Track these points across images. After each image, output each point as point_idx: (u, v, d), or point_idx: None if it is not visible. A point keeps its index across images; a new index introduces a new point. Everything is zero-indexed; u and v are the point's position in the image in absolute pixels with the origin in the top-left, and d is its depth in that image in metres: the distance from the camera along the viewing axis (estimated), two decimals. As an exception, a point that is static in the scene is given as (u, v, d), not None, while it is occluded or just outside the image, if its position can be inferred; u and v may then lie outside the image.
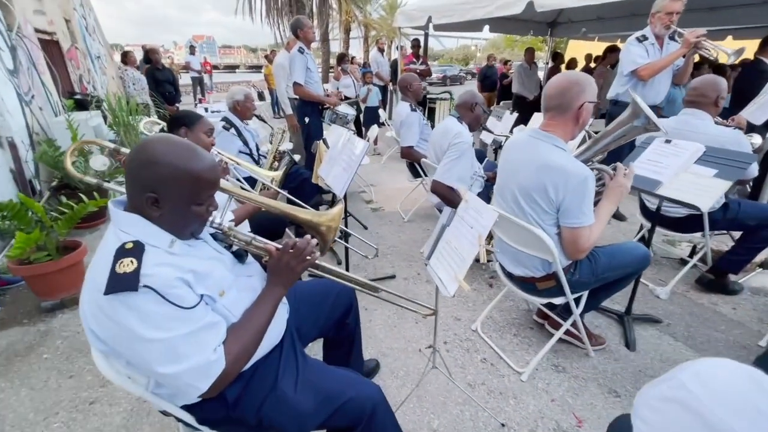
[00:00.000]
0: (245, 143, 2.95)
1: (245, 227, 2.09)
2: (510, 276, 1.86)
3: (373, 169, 5.31)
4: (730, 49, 2.80)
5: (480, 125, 2.56)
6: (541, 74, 8.03)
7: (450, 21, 5.18)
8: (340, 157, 2.14)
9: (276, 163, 2.99)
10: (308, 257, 1.09)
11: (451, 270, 1.25)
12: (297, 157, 3.77)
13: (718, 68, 5.28)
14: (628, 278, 1.80)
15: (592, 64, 7.76)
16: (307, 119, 3.71)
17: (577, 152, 1.65)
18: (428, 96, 6.42)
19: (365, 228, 3.49)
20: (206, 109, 5.90)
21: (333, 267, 1.23)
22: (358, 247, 2.79)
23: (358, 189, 4.48)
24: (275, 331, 1.13)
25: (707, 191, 1.66)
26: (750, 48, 3.85)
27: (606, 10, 6.82)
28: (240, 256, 1.14)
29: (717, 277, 2.48)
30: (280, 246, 1.10)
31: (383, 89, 7.16)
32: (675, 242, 3.15)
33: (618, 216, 3.64)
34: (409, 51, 6.49)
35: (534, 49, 6.73)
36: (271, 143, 3.08)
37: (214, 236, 1.11)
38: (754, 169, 2.16)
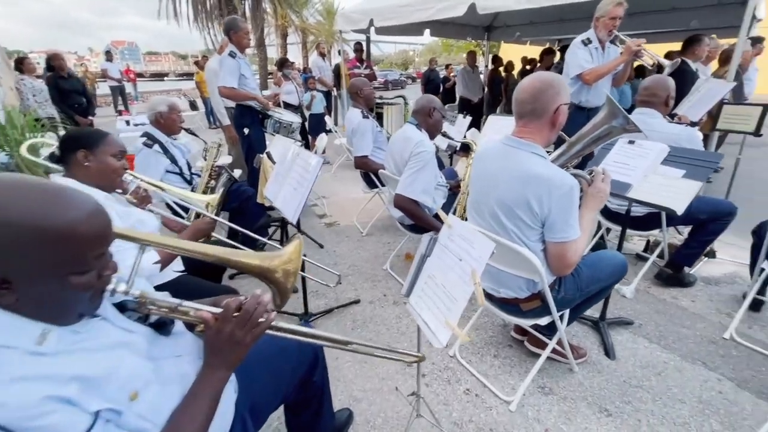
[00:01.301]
0: (173, 161, 2.53)
1: (177, 264, 1.73)
2: (490, 297, 1.69)
3: (323, 180, 5.00)
4: (666, 61, 2.92)
5: (439, 131, 2.40)
6: (482, 77, 8.23)
7: (392, 24, 5.05)
8: (290, 175, 1.85)
9: (213, 182, 2.61)
10: (260, 321, 0.82)
11: (440, 313, 1.02)
12: (238, 173, 3.39)
13: (642, 70, 5.71)
14: (608, 288, 1.72)
15: (528, 67, 8.10)
16: (246, 130, 3.33)
17: (550, 158, 1.53)
18: (378, 101, 6.24)
19: (321, 247, 3.19)
20: (128, 122, 5.23)
21: (293, 325, 0.96)
22: (318, 273, 2.51)
23: (310, 203, 4.15)
24: (219, 428, 0.83)
25: (680, 193, 1.61)
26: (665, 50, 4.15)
27: (538, 15, 7.17)
28: (162, 325, 0.83)
29: (674, 271, 2.53)
30: (218, 310, 0.80)
31: (327, 95, 6.87)
32: (628, 237, 3.24)
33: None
34: (352, 55, 6.28)
35: (475, 52, 6.86)
36: (205, 159, 2.69)
37: (120, 307, 0.79)
38: None
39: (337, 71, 7.09)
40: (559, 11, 6.91)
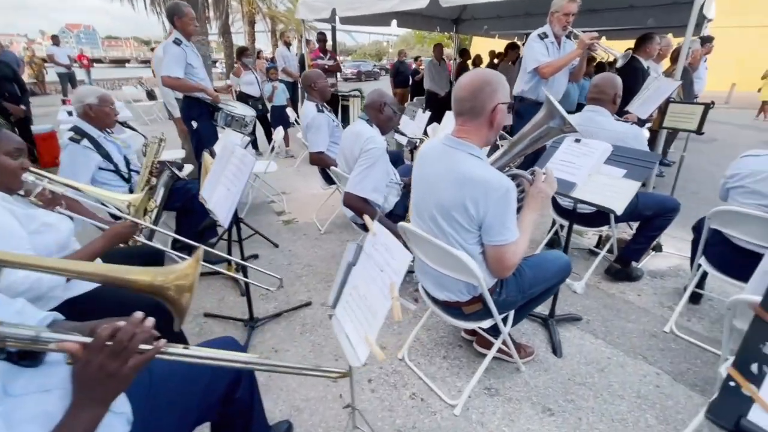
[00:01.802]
0: (106, 157, 2.33)
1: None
2: (434, 299, 1.65)
3: (285, 175, 4.84)
4: (618, 53, 2.96)
5: (391, 127, 2.33)
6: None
7: (356, 14, 4.91)
8: (224, 174, 1.72)
9: (153, 179, 2.44)
10: (140, 349, 0.72)
11: (361, 327, 0.96)
12: (189, 169, 3.20)
13: (600, 66, 5.83)
14: (552, 289, 1.71)
15: (496, 60, 8.15)
16: (195, 123, 3.14)
17: (492, 158, 1.49)
18: (340, 94, 6.09)
19: (275, 246, 3.07)
20: (70, 113, 4.84)
21: (196, 350, 0.86)
22: (262, 277, 2.39)
23: (267, 199, 4.00)
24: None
25: (619, 193, 1.62)
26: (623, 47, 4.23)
27: (505, 9, 7.18)
28: (28, 355, 0.73)
29: (622, 266, 2.59)
30: (88, 340, 0.70)
31: (292, 86, 6.65)
32: (582, 233, 3.30)
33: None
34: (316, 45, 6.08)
35: (442, 45, 6.80)
36: (144, 155, 2.50)
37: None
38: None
39: (303, 61, 6.87)
40: (525, 5, 6.97)
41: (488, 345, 1.84)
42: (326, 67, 5.63)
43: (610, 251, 2.73)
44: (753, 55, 16.65)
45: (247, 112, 3.40)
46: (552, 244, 2.98)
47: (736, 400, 0.76)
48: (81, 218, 1.60)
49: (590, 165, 1.77)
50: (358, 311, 1.00)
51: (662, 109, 3.12)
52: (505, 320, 1.63)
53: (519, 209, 1.51)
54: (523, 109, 3.39)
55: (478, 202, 1.26)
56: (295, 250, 3.04)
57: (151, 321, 0.75)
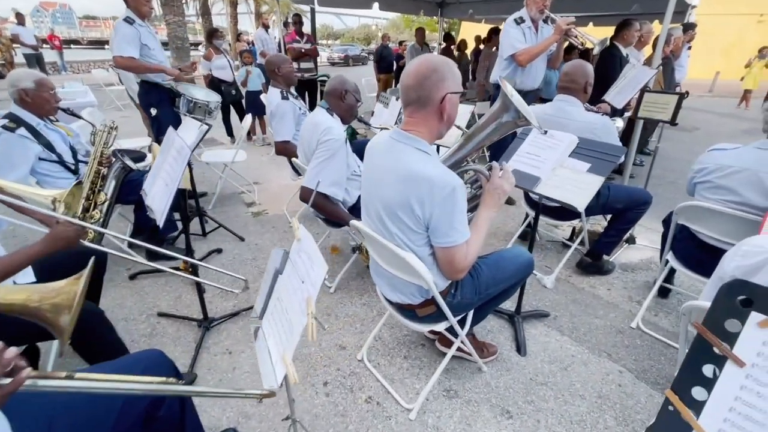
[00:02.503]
0: (48, 147, 2.18)
1: (28, 275, 1.45)
2: (389, 301, 1.57)
3: (258, 164, 4.68)
4: (595, 39, 2.86)
5: (354, 116, 2.20)
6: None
7: (333, -5, 4.69)
8: (163, 167, 1.60)
9: (104, 170, 2.28)
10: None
11: (280, 344, 0.87)
12: (148, 160, 3.04)
13: (585, 53, 5.72)
14: (513, 288, 1.64)
15: (482, 46, 7.98)
16: (154, 110, 2.97)
17: (447, 153, 1.39)
18: (319, 78, 5.88)
19: (241, 240, 2.95)
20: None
21: (86, 377, 0.75)
22: (225, 275, 2.28)
23: (238, 190, 3.85)
24: None
25: (582, 189, 1.54)
26: (608, 34, 4.13)
27: (489, -8, 7.01)
28: None
29: (593, 260, 2.55)
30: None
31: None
32: (557, 224, 3.25)
33: (507, 200, 3.68)
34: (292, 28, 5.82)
35: (424, 29, 6.60)
36: (93, 144, 2.34)
37: None
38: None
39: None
40: (509, -11, 6.81)
41: (450, 344, 1.77)
42: (302, 51, 5.42)
43: (582, 243, 2.69)
44: (739, 43, 16.73)
45: (210, 97, 3.22)
46: (525, 236, 2.92)
47: (675, 427, 0.69)
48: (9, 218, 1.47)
49: (555, 158, 1.69)
50: (279, 325, 0.91)
51: (640, 98, 3.05)
52: (463, 321, 1.57)
53: (477, 206, 1.44)
54: (499, 96, 3.29)
55: (423, 202, 1.17)
56: (261, 243, 2.93)
57: (12, 351, 0.65)
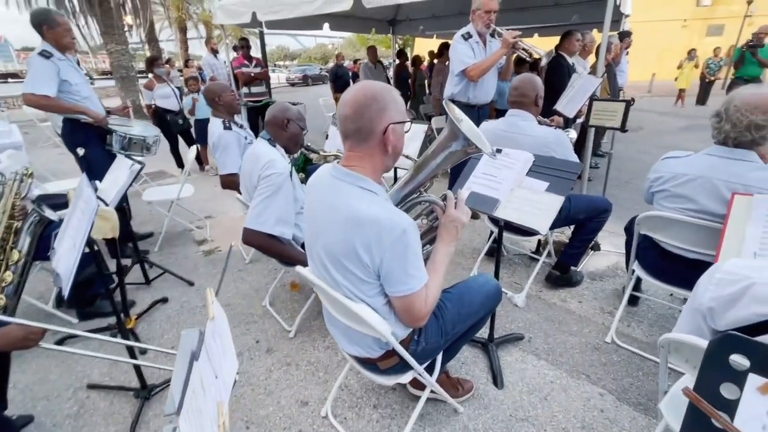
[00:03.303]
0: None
1: None
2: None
3: (212, 195, 4.40)
4: (542, 51, 2.89)
5: (299, 145, 2.05)
6: (390, 72, 8.07)
7: (278, 17, 4.57)
8: (71, 221, 1.37)
9: (18, 224, 1.99)
10: None
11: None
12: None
13: (534, 64, 5.90)
14: (483, 320, 1.52)
15: (435, 60, 8.11)
16: (81, 150, 2.67)
17: (397, 186, 1.27)
18: (271, 102, 5.69)
19: (191, 284, 2.69)
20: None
21: None
22: (171, 330, 2.03)
23: (188, 227, 3.57)
24: None
25: (543, 210, 1.46)
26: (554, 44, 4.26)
27: (438, 9, 7.13)
28: None
29: (562, 273, 2.50)
30: None
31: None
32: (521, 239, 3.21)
33: (472, 215, 3.61)
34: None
35: (376, 48, 6.62)
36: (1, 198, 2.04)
37: None
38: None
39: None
40: (458, 5, 6.95)
41: (423, 386, 1.62)
42: (252, 75, 5.23)
43: (549, 255, 2.64)
44: (669, 47, 18.21)
45: (148, 131, 2.97)
46: (492, 252, 2.85)
47: None
48: None
49: (512, 178, 1.61)
50: (194, 420, 0.72)
51: (589, 107, 3.10)
52: (432, 366, 1.42)
53: (433, 239, 1.31)
54: (454, 112, 3.26)
55: (370, 248, 1.02)
56: (214, 286, 2.67)
57: None
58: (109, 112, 2.90)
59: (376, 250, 1.02)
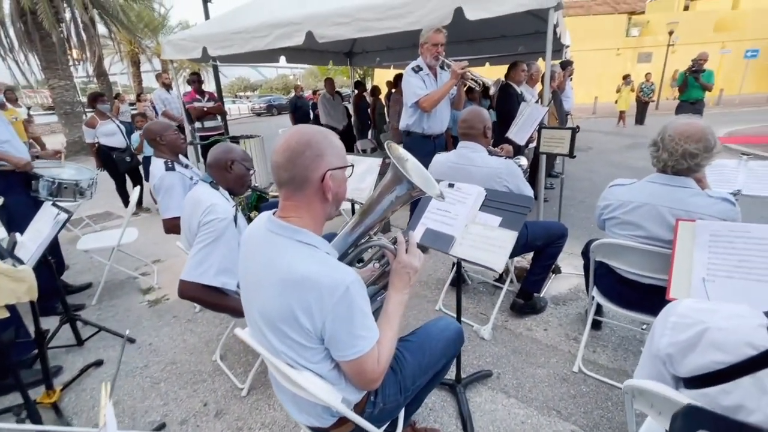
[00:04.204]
0: None
1: None
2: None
3: (161, 237, 4.10)
4: (490, 81, 2.98)
5: (245, 186, 1.93)
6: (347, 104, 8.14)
7: (230, 52, 4.49)
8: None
9: None
10: None
11: None
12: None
13: (486, 92, 6.16)
14: (446, 367, 1.42)
15: (393, 90, 8.30)
16: (0, 199, 2.40)
17: (342, 232, 1.17)
18: (228, 137, 5.53)
19: (131, 342, 2.42)
20: None
21: None
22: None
23: (132, 275, 3.27)
24: None
25: (498, 247, 1.42)
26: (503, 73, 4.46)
27: (393, 41, 7.36)
28: None
29: (525, 300, 2.47)
30: None
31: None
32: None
33: (423, 249, 3.58)
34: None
35: (333, 79, 6.69)
36: None
37: None
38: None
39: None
40: (411, 37, 7.24)
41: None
42: (205, 109, 5.08)
43: (512, 281, 2.62)
44: (607, 72, 19.89)
45: (82, 175, 2.75)
46: (453, 284, 2.79)
47: None
48: None
49: (466, 213, 1.57)
50: None
51: (539, 134, 3.21)
52: (394, 424, 1.30)
53: (386, 285, 1.22)
54: (411, 142, 3.27)
55: (311, 311, 0.92)
56: (157, 343, 2.42)
57: None
58: (37, 157, 2.66)
59: (317, 313, 0.92)
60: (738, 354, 0.72)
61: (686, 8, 23.59)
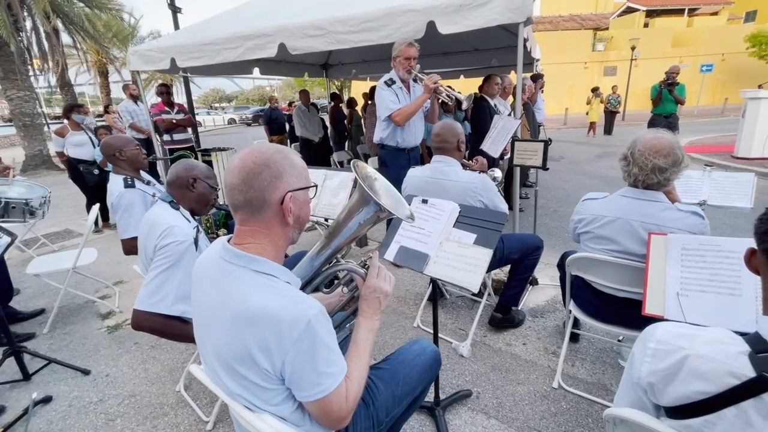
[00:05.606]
0: None
1: None
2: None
3: (124, 258, 3.87)
4: (463, 96, 2.99)
5: (209, 205, 1.82)
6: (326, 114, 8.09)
7: (200, 63, 4.36)
8: None
9: None
10: None
11: None
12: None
13: (460, 105, 6.24)
14: (424, 393, 1.35)
15: (370, 101, 8.31)
16: (-63, 221, 2.19)
17: (307, 257, 1.10)
18: (199, 150, 5.36)
19: (86, 373, 2.23)
20: None
21: None
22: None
23: (90, 299, 3.05)
24: None
25: (474, 265, 1.37)
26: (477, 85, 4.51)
27: (368, 54, 7.38)
28: None
29: (504, 314, 2.44)
30: None
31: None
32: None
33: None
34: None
35: (308, 91, 6.63)
36: None
37: None
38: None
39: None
40: (386, 50, 7.30)
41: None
42: (174, 121, 4.91)
43: (490, 295, 2.59)
44: (574, 85, 20.71)
45: (33, 193, 2.56)
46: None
47: None
48: None
49: (440, 230, 1.52)
50: None
51: (512, 146, 3.23)
52: (367, 460, 1.21)
53: (356, 311, 1.15)
54: (385, 155, 3.23)
55: (269, 349, 0.83)
56: (114, 373, 2.24)
57: None
58: (6, 169, 2.46)
59: (276, 351, 0.83)
60: (720, 384, 0.69)
61: (646, 25, 24.94)
